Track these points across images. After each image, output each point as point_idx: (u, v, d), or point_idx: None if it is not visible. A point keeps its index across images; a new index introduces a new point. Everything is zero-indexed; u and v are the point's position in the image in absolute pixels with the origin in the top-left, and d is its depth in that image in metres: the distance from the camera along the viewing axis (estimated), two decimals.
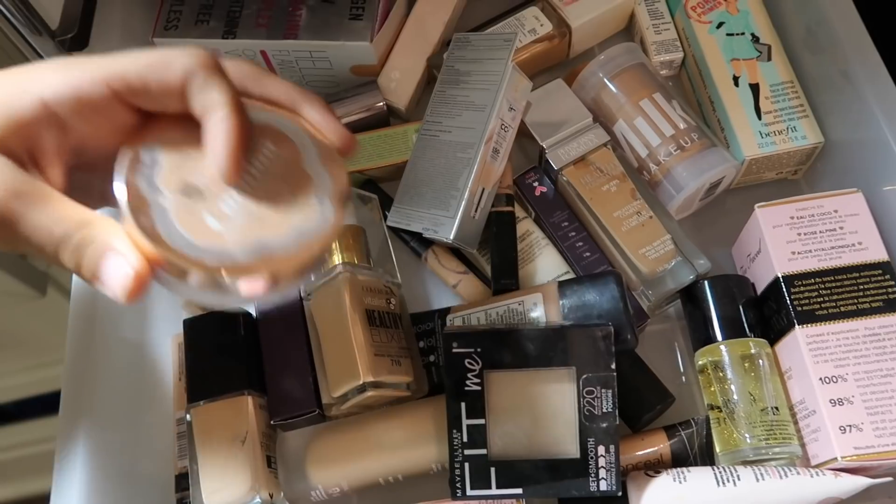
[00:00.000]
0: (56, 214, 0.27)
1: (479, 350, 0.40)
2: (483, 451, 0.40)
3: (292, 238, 0.29)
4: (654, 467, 0.44)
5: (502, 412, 0.40)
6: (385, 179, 0.55)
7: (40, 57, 0.52)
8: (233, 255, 0.28)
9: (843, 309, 0.42)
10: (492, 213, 0.50)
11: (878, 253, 0.43)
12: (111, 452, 0.45)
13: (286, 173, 0.31)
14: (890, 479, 0.38)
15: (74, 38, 0.51)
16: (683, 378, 0.49)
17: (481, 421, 0.40)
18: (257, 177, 0.31)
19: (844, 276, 0.42)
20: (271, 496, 0.43)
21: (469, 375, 0.40)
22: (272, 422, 0.44)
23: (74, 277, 0.48)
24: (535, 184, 0.52)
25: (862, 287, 0.42)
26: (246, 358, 0.46)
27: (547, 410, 0.40)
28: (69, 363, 0.45)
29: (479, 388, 0.40)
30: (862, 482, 0.38)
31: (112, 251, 0.27)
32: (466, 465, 0.40)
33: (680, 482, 0.41)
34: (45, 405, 0.84)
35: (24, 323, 0.80)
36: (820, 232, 0.44)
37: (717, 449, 0.44)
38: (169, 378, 0.49)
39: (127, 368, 0.48)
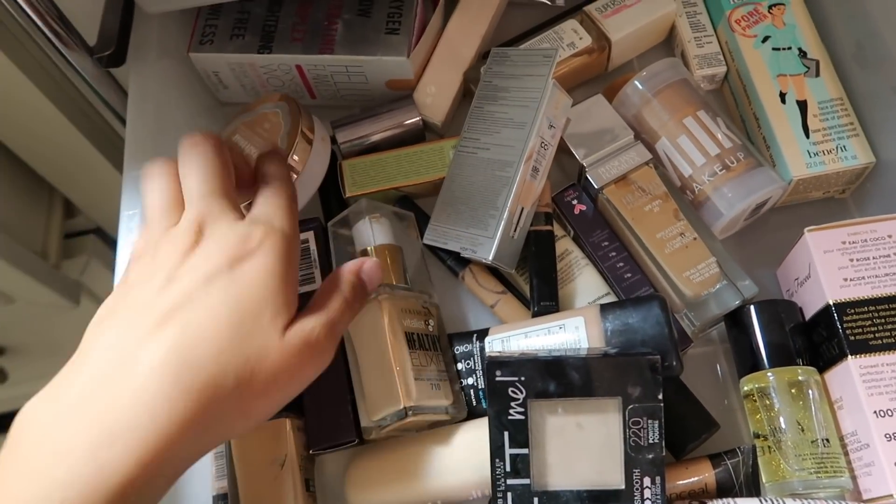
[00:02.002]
0: None
1: (522, 379, 0.39)
2: (526, 481, 0.39)
3: None
4: (698, 497, 0.43)
5: (546, 442, 0.40)
6: (421, 196, 0.54)
7: (78, 73, 0.53)
8: None
9: None
10: (531, 233, 0.49)
11: None
12: None
13: None
14: None
15: (112, 55, 0.51)
16: (726, 401, 0.48)
17: (525, 451, 0.39)
18: None
19: None
20: None
21: (512, 404, 0.39)
22: (311, 451, 0.44)
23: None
24: (575, 202, 0.51)
25: None
26: None
27: (592, 441, 0.39)
28: None
29: (522, 417, 0.39)
30: None
31: None
32: (509, 494, 0.39)
33: None
34: None
35: (59, 332, 0.80)
36: (873, 258, 0.42)
37: (764, 479, 0.43)
38: None
39: None
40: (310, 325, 0.34)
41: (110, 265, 0.49)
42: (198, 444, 0.31)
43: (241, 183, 0.39)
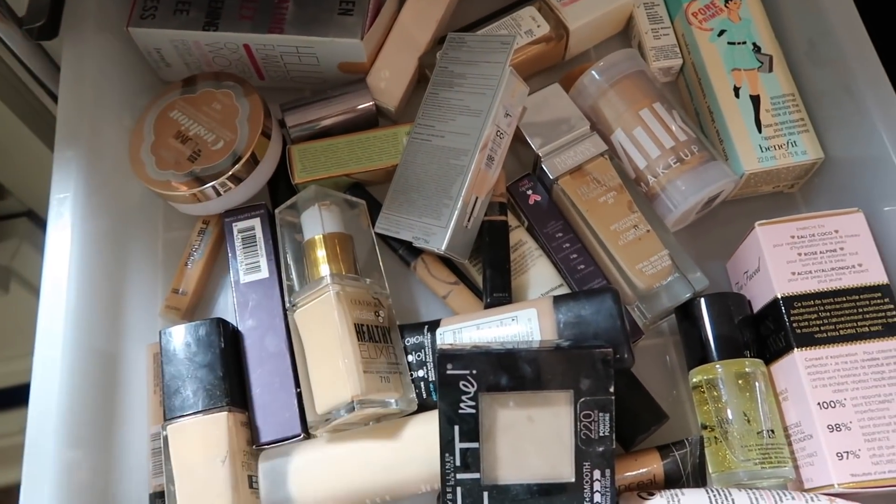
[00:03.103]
0: None
1: (474, 372, 0.39)
2: (476, 476, 0.39)
3: None
4: (647, 488, 0.43)
5: (497, 435, 0.39)
6: (373, 183, 0.53)
7: (6, 46, 0.49)
8: None
9: (842, 332, 0.41)
10: (484, 223, 0.48)
11: (877, 275, 0.42)
12: (82, 471, 0.43)
13: None
14: None
15: (43, 27, 0.48)
16: (675, 392, 0.48)
17: (475, 445, 0.39)
18: None
19: (844, 299, 0.42)
20: None
21: (463, 398, 0.39)
22: (255, 446, 0.42)
23: (43, 279, 0.45)
24: (530, 192, 0.50)
25: (861, 310, 0.41)
26: (226, 371, 0.44)
27: (543, 434, 0.39)
28: (36, 376, 0.42)
29: (473, 410, 0.39)
30: None
31: None
32: (459, 489, 0.38)
33: None
34: (8, 398, 0.81)
35: None
36: (820, 252, 0.43)
37: (710, 469, 0.43)
38: (143, 390, 0.47)
39: (98, 379, 0.46)
40: None
41: (36, 244, 0.46)
42: None
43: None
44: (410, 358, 0.46)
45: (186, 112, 0.50)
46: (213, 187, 0.47)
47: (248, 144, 0.48)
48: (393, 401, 0.43)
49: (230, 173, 0.47)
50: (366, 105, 0.52)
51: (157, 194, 0.48)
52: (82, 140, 0.47)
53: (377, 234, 0.49)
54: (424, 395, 0.45)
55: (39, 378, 0.42)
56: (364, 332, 0.43)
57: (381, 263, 0.47)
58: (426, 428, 0.43)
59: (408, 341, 0.46)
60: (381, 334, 0.44)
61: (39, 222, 0.81)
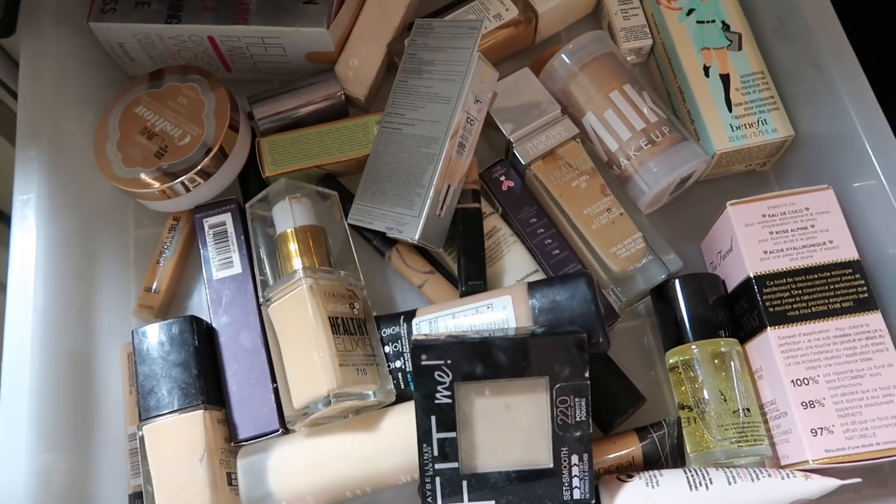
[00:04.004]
0: None
1: (449, 362, 0.38)
2: (454, 465, 0.39)
3: None
4: (625, 470, 0.43)
5: (474, 424, 0.39)
6: (345, 174, 0.52)
7: None
8: None
9: (814, 309, 0.41)
10: (458, 210, 0.48)
11: (848, 252, 0.42)
12: (59, 474, 0.42)
13: None
14: (858, 479, 0.38)
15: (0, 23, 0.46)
16: (653, 373, 0.48)
17: (452, 434, 0.39)
18: None
19: (815, 276, 0.42)
20: None
21: (439, 388, 0.39)
22: (233, 443, 0.42)
23: (9, 283, 0.44)
24: (503, 178, 0.50)
25: (833, 287, 0.42)
26: (201, 369, 0.43)
27: (519, 421, 0.39)
28: (5, 378, 0.42)
29: (450, 400, 0.39)
30: (832, 483, 0.39)
31: None
32: (437, 479, 0.38)
33: (652, 486, 0.40)
34: None
35: None
36: (791, 230, 0.43)
37: (688, 449, 0.43)
38: (119, 390, 0.47)
39: (72, 381, 0.45)
40: None
41: (6, 244, 0.45)
42: None
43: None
44: (387, 349, 0.46)
45: (152, 107, 0.49)
46: (182, 183, 0.47)
47: (216, 138, 0.47)
48: (371, 393, 0.42)
49: (199, 168, 0.46)
50: (334, 94, 0.52)
51: (126, 192, 0.48)
52: (44, 139, 0.46)
53: (350, 225, 0.49)
54: (402, 386, 0.45)
55: (8, 381, 0.41)
56: (339, 325, 0.43)
57: (355, 255, 0.47)
58: (404, 419, 0.42)
59: (384, 332, 0.46)
60: (356, 326, 0.44)
61: (3, 217, 0.79)
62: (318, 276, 0.43)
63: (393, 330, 0.46)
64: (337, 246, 0.48)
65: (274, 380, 0.44)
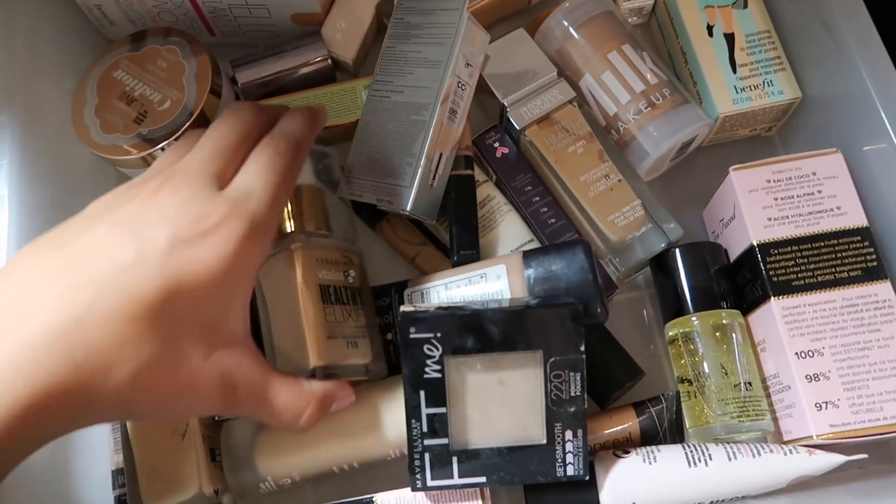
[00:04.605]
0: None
1: (438, 335, 0.37)
2: (444, 441, 0.37)
3: None
4: (622, 446, 0.42)
5: (465, 399, 0.38)
6: (333, 142, 0.50)
7: None
8: None
9: (820, 279, 0.39)
10: (450, 177, 0.46)
11: (856, 218, 0.40)
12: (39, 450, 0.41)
13: None
14: (865, 455, 0.37)
15: None
16: (652, 347, 0.47)
17: (442, 410, 0.37)
18: None
19: (822, 244, 0.40)
20: (217, 492, 0.40)
21: (428, 362, 0.37)
22: (216, 418, 0.41)
23: None
24: (497, 144, 0.48)
25: (840, 255, 0.40)
26: None
27: (512, 396, 0.38)
28: None
29: (439, 375, 0.37)
30: (836, 459, 0.37)
31: None
32: (427, 455, 0.37)
33: (650, 462, 0.39)
34: None
35: None
36: (797, 196, 0.41)
37: (687, 424, 0.42)
38: None
39: None
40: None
41: None
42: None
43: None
44: (378, 321, 0.44)
45: (131, 71, 0.47)
46: (163, 149, 0.45)
47: (197, 103, 0.45)
48: (361, 366, 0.41)
49: (179, 134, 0.44)
50: (321, 58, 0.49)
51: (105, 159, 0.46)
52: (16, 104, 0.44)
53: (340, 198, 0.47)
54: (394, 359, 0.44)
55: None
56: (331, 294, 0.41)
57: (352, 218, 0.45)
58: (394, 392, 0.41)
59: (376, 303, 0.44)
60: (349, 296, 0.42)
61: None
62: (311, 240, 0.41)
63: (385, 301, 0.45)
64: (332, 209, 0.46)
65: (263, 352, 0.42)
